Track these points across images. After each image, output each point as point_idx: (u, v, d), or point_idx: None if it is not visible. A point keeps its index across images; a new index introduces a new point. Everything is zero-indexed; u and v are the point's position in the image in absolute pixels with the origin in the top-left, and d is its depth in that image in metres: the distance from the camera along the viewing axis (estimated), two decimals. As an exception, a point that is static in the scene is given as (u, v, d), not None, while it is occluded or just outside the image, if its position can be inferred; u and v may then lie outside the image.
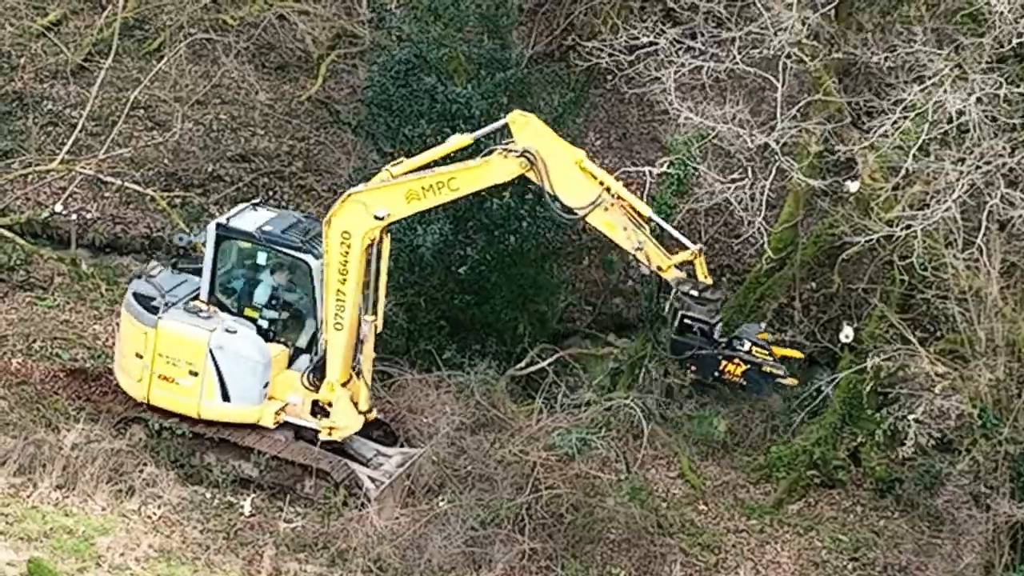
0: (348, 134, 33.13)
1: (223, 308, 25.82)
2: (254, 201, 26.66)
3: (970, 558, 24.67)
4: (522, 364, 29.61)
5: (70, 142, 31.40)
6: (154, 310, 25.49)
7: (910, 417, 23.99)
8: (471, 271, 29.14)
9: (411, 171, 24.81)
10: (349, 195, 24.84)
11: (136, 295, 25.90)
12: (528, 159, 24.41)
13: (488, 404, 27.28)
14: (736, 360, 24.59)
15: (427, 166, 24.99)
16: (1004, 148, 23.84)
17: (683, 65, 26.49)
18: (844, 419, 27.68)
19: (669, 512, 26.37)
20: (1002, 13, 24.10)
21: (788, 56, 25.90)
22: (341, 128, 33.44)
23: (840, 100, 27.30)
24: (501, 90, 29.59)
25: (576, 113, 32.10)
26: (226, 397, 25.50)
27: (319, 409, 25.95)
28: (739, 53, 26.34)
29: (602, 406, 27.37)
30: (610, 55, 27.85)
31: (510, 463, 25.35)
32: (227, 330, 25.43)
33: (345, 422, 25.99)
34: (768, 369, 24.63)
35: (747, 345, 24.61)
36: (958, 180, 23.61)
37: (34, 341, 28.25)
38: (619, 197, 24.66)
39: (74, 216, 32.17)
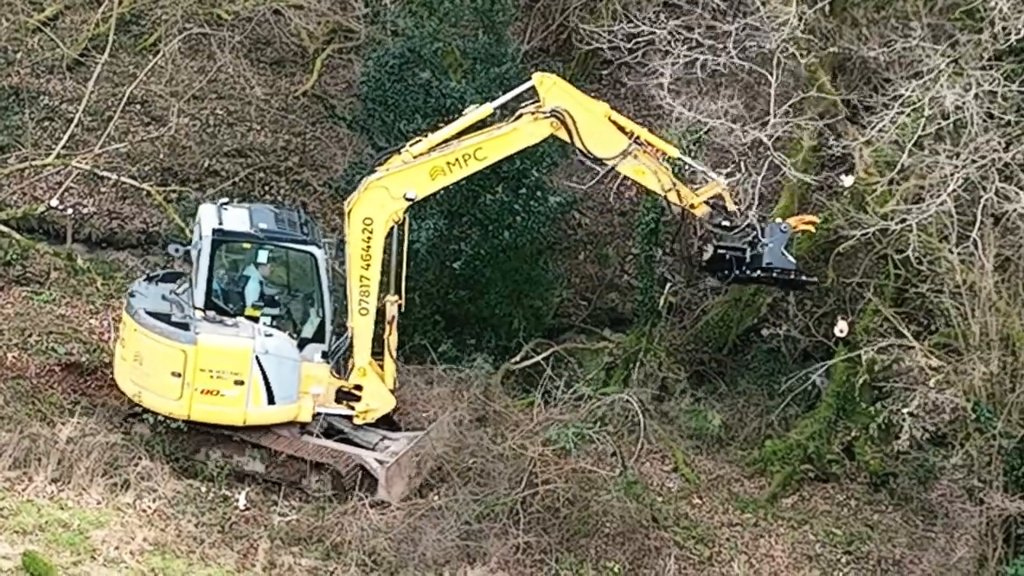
0: (344, 129, 33.14)
1: (222, 312, 25.61)
2: (222, 201, 26.44)
3: (963, 551, 24.72)
4: (517, 358, 29.64)
5: (66, 137, 31.38)
6: (185, 327, 25.26)
7: (904, 411, 24.03)
8: (466, 266, 29.16)
9: (432, 148, 25.04)
10: (370, 183, 24.97)
11: (153, 314, 25.45)
12: (558, 118, 24.84)
13: (484, 399, 27.28)
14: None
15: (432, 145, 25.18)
16: (999, 143, 23.86)
17: (680, 56, 26.52)
18: (838, 413, 27.72)
19: (664, 506, 26.39)
20: (1001, 9, 24.10)
21: (784, 51, 25.91)
22: (336, 123, 33.44)
23: (835, 95, 27.31)
24: (496, 85, 29.57)
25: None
26: (271, 400, 25.43)
27: (344, 395, 26.00)
28: (735, 47, 26.37)
29: (597, 400, 27.37)
30: (609, 43, 27.86)
31: (506, 457, 25.35)
32: (266, 335, 25.40)
33: (378, 403, 26.13)
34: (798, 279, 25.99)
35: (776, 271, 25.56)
36: (953, 174, 23.63)
37: (30, 335, 28.24)
38: (647, 143, 25.24)
39: (70, 211, 32.14)
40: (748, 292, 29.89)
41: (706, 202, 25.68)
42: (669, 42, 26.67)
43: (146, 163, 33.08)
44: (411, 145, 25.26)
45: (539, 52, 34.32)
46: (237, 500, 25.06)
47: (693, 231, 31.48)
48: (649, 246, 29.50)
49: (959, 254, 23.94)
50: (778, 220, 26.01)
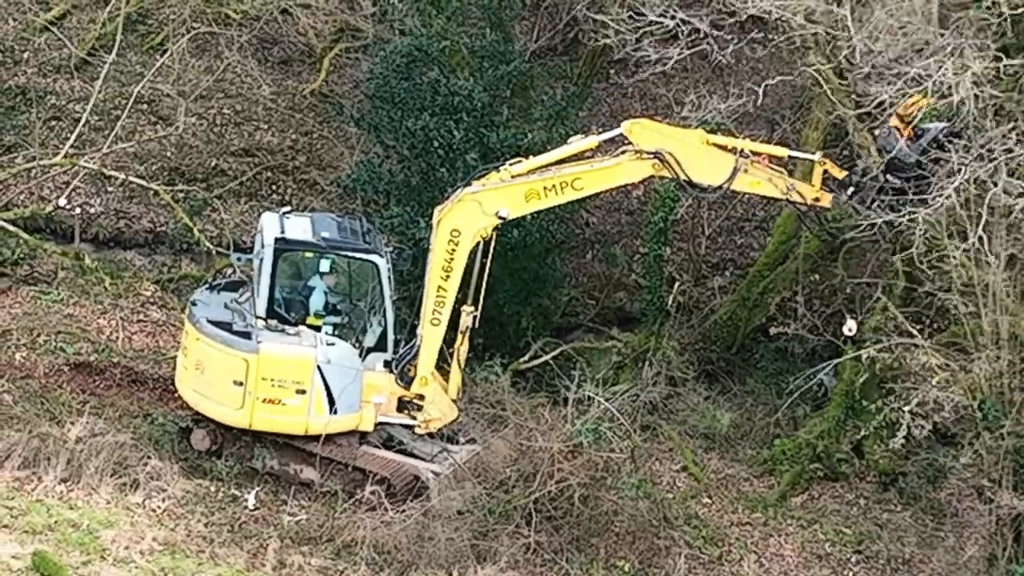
0: (351, 128, 33.10)
1: (283, 322, 25.55)
2: (284, 210, 26.46)
3: (973, 550, 24.71)
4: (525, 358, 29.60)
5: (73, 137, 31.42)
6: (247, 336, 25.25)
7: (905, 408, 23.96)
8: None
9: (532, 171, 24.93)
10: (464, 195, 24.89)
11: (214, 323, 25.47)
12: (660, 160, 24.58)
13: (494, 399, 27.23)
14: None
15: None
16: (1011, 138, 23.62)
17: (692, 44, 26.40)
18: (847, 412, 27.68)
19: (674, 505, 26.36)
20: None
21: (793, 46, 25.86)
22: (344, 122, 33.40)
23: (843, 89, 27.23)
24: (503, 83, 29.57)
25: (579, 107, 32.08)
26: (333, 409, 25.37)
27: (405, 404, 25.92)
28: (744, 42, 26.33)
29: (607, 399, 27.31)
30: (617, 33, 27.77)
31: (521, 457, 25.29)
32: (328, 344, 25.35)
33: (440, 413, 26.03)
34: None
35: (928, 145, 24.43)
36: (960, 170, 23.46)
37: (38, 335, 28.29)
38: (754, 153, 24.84)
39: (77, 210, 32.15)
40: (756, 291, 29.88)
41: (823, 188, 24.99)
42: (675, 35, 26.56)
43: (153, 162, 33.08)
44: (511, 164, 25.11)
45: (546, 51, 34.30)
46: (246, 500, 25.06)
47: (701, 230, 31.45)
48: (657, 245, 29.48)
49: (965, 251, 23.81)
50: (877, 133, 25.11)
